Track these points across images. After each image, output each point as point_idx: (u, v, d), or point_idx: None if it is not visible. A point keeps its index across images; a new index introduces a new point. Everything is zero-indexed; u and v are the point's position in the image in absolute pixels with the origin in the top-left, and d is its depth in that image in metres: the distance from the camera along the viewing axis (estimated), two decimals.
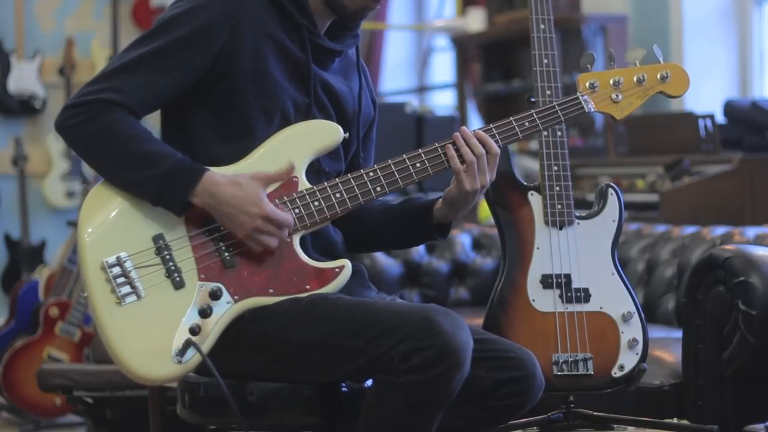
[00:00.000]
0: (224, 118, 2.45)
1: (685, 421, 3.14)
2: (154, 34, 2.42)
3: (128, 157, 2.36)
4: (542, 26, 2.91)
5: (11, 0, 6.72)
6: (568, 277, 2.89)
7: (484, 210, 5.70)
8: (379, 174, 2.45)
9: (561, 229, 2.92)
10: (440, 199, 2.55)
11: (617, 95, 2.57)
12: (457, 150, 2.46)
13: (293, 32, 2.48)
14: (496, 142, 2.48)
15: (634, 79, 2.58)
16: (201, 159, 2.42)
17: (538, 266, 2.90)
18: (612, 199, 2.95)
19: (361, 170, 2.46)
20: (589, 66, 2.59)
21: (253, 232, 2.35)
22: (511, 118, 2.51)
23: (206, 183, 2.35)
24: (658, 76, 2.59)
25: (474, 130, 2.48)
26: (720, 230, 3.78)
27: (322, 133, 2.48)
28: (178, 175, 2.35)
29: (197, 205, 2.36)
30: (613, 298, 2.91)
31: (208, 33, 2.40)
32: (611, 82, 2.57)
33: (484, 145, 2.46)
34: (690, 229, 3.93)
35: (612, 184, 2.99)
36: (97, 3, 6.93)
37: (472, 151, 2.45)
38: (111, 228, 2.37)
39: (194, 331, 2.34)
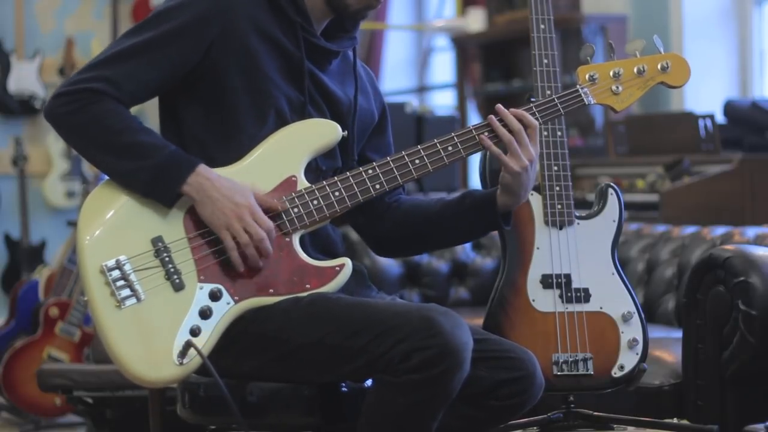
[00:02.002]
0: (218, 116, 2.45)
1: (685, 421, 3.14)
2: (147, 25, 2.42)
3: (121, 148, 2.36)
4: (542, 26, 2.90)
5: (11, 0, 6.72)
6: (568, 277, 2.89)
7: None
8: (378, 171, 2.45)
9: (561, 229, 2.92)
10: (499, 188, 2.52)
11: (617, 87, 2.55)
12: (491, 131, 2.44)
13: (288, 30, 2.48)
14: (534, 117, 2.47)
15: (635, 70, 2.56)
16: (197, 157, 2.41)
17: (538, 266, 2.90)
18: (612, 199, 2.95)
19: (360, 168, 2.46)
20: (588, 58, 2.57)
21: (234, 220, 2.34)
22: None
23: (200, 173, 2.36)
24: (659, 66, 2.57)
25: (474, 125, 2.48)
26: (720, 230, 3.78)
27: (321, 132, 2.48)
28: (172, 165, 2.35)
29: (186, 194, 2.36)
30: (613, 298, 2.91)
31: (199, 26, 2.40)
32: (611, 73, 2.55)
33: (520, 120, 2.45)
34: (690, 229, 3.93)
35: (612, 184, 2.99)
36: (97, 3, 6.94)
37: (509, 130, 2.44)
38: (110, 231, 2.37)
39: (195, 332, 2.34)
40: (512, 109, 2.46)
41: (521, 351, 2.44)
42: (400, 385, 2.25)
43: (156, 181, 2.35)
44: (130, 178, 2.37)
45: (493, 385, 2.40)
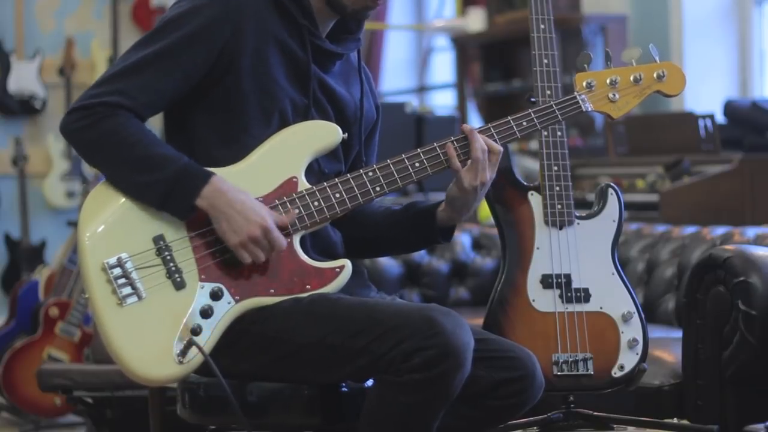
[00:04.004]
0: (223, 117, 2.45)
1: (685, 421, 3.14)
2: (157, 35, 2.42)
3: (135, 161, 2.36)
4: (542, 26, 2.91)
5: (11, 0, 6.72)
6: (568, 277, 2.89)
7: (484, 210, 5.70)
8: (378, 174, 2.46)
9: (561, 229, 2.92)
10: (443, 202, 2.55)
11: (614, 94, 2.57)
12: (458, 149, 2.46)
13: (294, 33, 2.48)
14: (495, 141, 2.48)
15: (631, 78, 2.58)
16: (200, 159, 2.42)
17: (538, 266, 2.90)
18: (612, 199, 2.95)
19: (360, 170, 2.46)
20: (586, 65, 2.59)
21: (248, 239, 2.35)
22: (509, 118, 2.52)
23: (214, 185, 2.35)
24: (655, 75, 2.60)
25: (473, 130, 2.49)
26: (720, 230, 3.78)
27: (322, 134, 2.48)
28: (186, 178, 2.34)
29: (200, 208, 2.36)
30: (613, 298, 2.91)
31: (210, 32, 2.40)
32: (608, 81, 2.57)
33: (488, 144, 2.46)
34: (690, 229, 3.92)
35: (612, 184, 2.99)
36: (97, 3, 6.93)
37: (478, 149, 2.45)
38: (111, 229, 2.37)
39: (195, 331, 2.34)
40: (480, 135, 2.47)
41: (521, 350, 2.45)
42: (401, 384, 2.25)
43: (170, 195, 2.34)
44: (145, 192, 2.36)
45: (492, 385, 2.40)
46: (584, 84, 2.56)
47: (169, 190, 2.34)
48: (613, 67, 2.59)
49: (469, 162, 2.45)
